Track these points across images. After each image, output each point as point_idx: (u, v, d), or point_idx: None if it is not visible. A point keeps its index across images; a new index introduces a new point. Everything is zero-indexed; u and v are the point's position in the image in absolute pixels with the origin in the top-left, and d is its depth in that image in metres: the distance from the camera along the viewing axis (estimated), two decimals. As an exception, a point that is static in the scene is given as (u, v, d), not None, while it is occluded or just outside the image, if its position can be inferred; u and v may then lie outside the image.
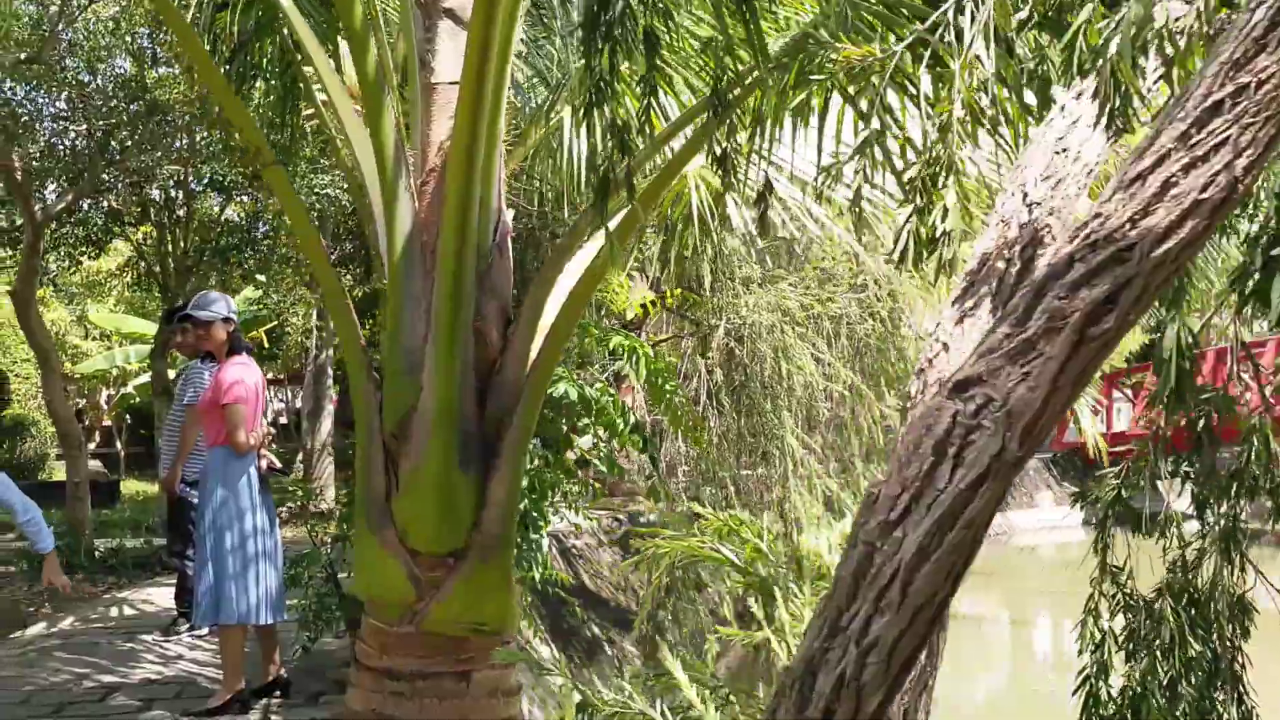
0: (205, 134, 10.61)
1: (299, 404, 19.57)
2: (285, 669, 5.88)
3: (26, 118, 9.97)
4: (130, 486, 17.63)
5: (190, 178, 11.17)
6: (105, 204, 11.27)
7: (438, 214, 3.67)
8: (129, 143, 10.24)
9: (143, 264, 12.79)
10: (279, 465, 5.99)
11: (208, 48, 6.22)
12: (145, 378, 17.78)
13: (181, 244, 11.68)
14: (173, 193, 11.65)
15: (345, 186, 11.90)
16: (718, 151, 2.74)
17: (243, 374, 5.69)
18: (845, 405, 9.16)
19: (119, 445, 20.15)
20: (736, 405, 8.81)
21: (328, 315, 16.60)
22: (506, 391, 3.72)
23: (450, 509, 3.60)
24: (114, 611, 8.21)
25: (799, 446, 8.73)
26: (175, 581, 7.53)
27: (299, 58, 5.55)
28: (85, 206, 11.44)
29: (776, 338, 8.27)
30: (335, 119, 4.12)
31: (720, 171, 2.76)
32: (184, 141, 10.74)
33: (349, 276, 19.13)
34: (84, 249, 11.96)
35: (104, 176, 10.04)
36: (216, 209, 13.18)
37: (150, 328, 17.40)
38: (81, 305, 20.16)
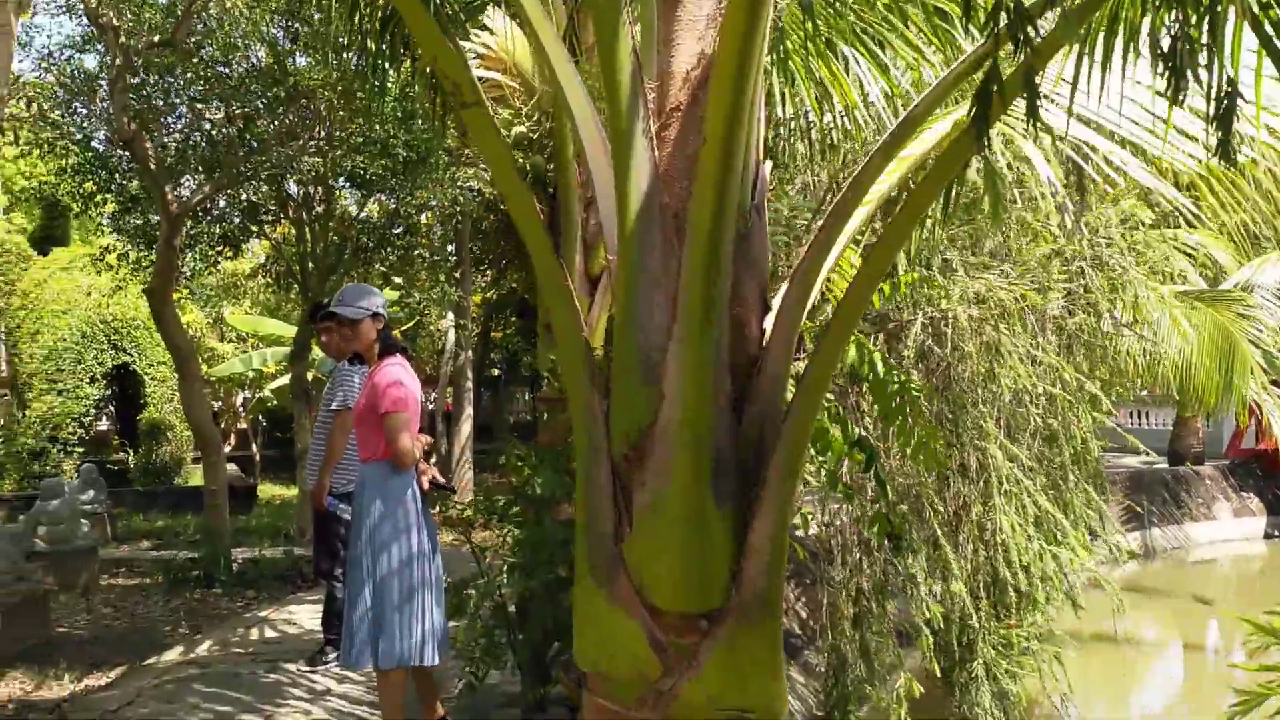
0: (344, 127, 10.05)
1: (430, 407, 19.07)
2: (445, 709, 5.16)
3: (161, 103, 9.53)
4: (267, 491, 17.38)
5: (328, 172, 10.61)
6: (243, 198, 10.81)
7: (683, 166, 2.78)
8: (266, 133, 9.74)
9: (280, 264, 12.34)
10: (443, 480, 5.21)
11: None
12: (282, 380, 17.51)
13: (321, 243, 11.15)
14: (311, 188, 11.13)
15: (489, 177, 11.22)
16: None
17: (401, 377, 4.95)
18: (1055, 410, 8.00)
19: (254, 449, 20.00)
20: (933, 411, 7.73)
21: (467, 314, 16.09)
22: (770, 399, 2.81)
23: (702, 554, 2.70)
24: (254, 633, 7.59)
25: (1004, 459, 7.61)
26: (322, 603, 6.87)
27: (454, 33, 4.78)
28: (222, 203, 11.02)
29: (988, 334, 7.15)
30: (542, 61, 3.27)
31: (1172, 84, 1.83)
32: (322, 132, 10.19)
33: (481, 281, 18.57)
34: (220, 248, 11.55)
35: (242, 168, 9.53)
36: (354, 207, 12.66)
37: (287, 329, 17.10)
38: (217, 307, 20.05)
